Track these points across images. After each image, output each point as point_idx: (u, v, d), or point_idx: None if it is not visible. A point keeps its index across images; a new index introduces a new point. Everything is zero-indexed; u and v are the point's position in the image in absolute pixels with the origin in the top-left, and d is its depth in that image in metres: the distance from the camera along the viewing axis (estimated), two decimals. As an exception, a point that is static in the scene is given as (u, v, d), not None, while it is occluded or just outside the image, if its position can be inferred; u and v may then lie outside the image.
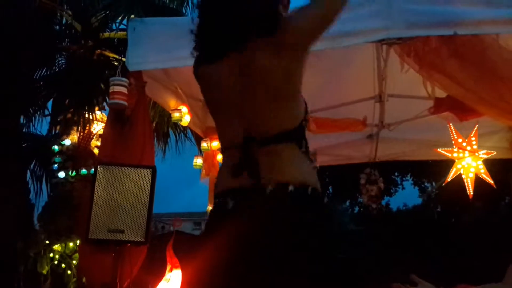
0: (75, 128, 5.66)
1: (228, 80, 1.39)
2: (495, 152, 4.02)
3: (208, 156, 4.06)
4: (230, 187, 1.39)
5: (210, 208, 4.11)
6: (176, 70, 3.18)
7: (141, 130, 2.88)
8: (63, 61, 5.73)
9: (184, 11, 6.23)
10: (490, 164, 4.06)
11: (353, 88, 3.79)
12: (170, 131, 6.52)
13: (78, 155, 5.68)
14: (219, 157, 4.17)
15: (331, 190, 14.55)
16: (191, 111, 3.61)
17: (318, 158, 5.40)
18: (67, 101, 5.58)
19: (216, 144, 4.00)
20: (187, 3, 6.32)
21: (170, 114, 3.64)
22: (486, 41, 2.31)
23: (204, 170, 4.04)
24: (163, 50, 2.83)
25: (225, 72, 1.40)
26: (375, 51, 3.08)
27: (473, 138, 3.90)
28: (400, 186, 13.75)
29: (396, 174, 13.32)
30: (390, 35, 2.38)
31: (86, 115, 5.45)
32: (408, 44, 2.42)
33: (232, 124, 1.41)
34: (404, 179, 13.56)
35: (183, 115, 3.51)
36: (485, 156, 3.93)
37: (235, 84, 1.38)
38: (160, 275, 3.67)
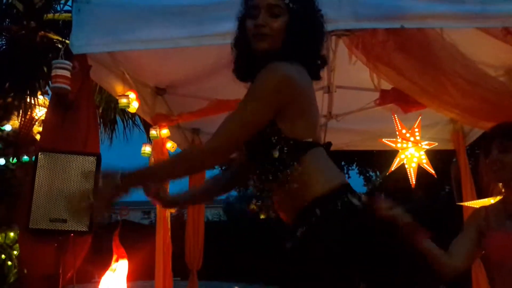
0: (16, 113, 5.42)
1: None
2: (437, 143, 4.18)
3: (157, 144, 3.99)
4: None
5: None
6: (123, 54, 3.09)
7: (85, 116, 2.78)
8: (3, 42, 5.45)
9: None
10: (432, 154, 4.22)
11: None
12: (118, 117, 6.36)
13: (19, 141, 5.46)
14: (169, 145, 4.11)
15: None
16: (140, 97, 3.53)
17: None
18: (7, 84, 5.33)
19: (165, 132, 3.94)
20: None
21: (117, 100, 3.54)
22: (430, 35, 2.39)
23: (152, 158, 3.97)
24: (109, 32, 2.74)
25: None
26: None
27: (416, 130, 4.04)
28: (346, 175, 14.10)
29: (342, 163, 13.64)
30: (339, 27, 2.41)
31: (28, 100, 5.23)
32: (356, 36, 2.45)
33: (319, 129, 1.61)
34: (350, 168, 13.92)
35: (131, 101, 3.43)
36: (427, 147, 4.08)
37: None
38: (106, 265, 3.60)
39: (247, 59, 1.62)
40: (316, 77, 1.66)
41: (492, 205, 1.97)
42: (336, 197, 1.46)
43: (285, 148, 1.48)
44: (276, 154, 1.48)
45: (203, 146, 1.47)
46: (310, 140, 1.52)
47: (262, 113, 1.46)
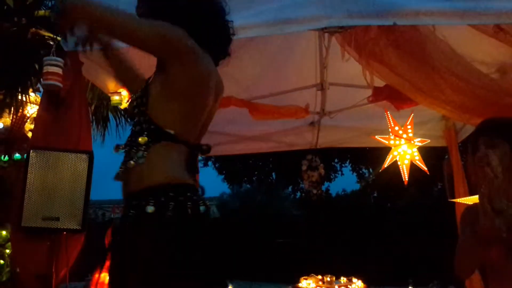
0: (7, 110, 5.37)
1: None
2: (429, 140, 4.20)
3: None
4: (189, 183, 1.50)
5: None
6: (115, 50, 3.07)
7: (77, 113, 2.76)
8: (-7, 39, 5.39)
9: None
10: (424, 151, 4.24)
11: (296, 75, 3.82)
12: (110, 115, 6.33)
13: (11, 138, 5.41)
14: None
15: (274, 176, 14.75)
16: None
17: (262, 144, 5.46)
18: (-2, 82, 5.28)
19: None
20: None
21: (109, 97, 3.52)
22: (423, 32, 2.39)
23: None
24: (101, 30, 2.72)
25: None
26: (317, 39, 3.11)
27: (408, 126, 4.05)
28: (340, 172, 14.14)
29: (335, 160, 13.68)
30: (332, 24, 2.41)
31: (19, 97, 5.18)
32: (349, 33, 2.45)
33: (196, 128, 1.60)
34: (343, 165, 13.97)
35: (123, 99, 3.41)
36: (420, 144, 4.10)
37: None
38: (99, 263, 3.58)
39: None
40: (219, 55, 1.68)
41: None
42: (168, 193, 1.43)
43: (143, 127, 1.51)
44: (136, 128, 1.53)
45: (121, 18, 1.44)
46: (172, 132, 1.50)
47: (147, 32, 1.46)
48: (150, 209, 1.39)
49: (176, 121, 1.51)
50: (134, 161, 1.47)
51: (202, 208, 1.45)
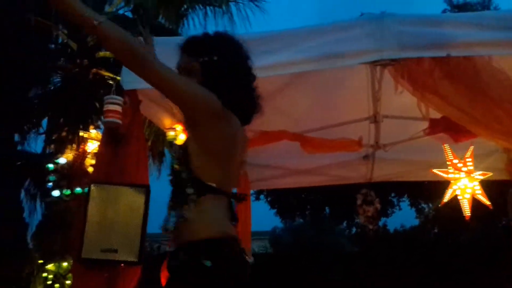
0: (69, 146, 5.64)
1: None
2: (492, 173, 4.02)
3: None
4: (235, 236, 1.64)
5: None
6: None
7: (135, 148, 2.86)
8: (58, 79, 5.74)
9: (180, 32, 6.28)
10: (486, 185, 4.05)
11: (348, 108, 3.80)
12: (166, 150, 6.51)
13: (73, 173, 5.64)
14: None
15: (328, 211, 14.50)
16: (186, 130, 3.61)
17: (315, 178, 5.40)
18: (61, 119, 5.57)
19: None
20: (183, 24, 6.38)
21: (165, 133, 3.63)
22: (479, 62, 2.33)
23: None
24: (158, 69, 2.83)
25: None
26: (369, 72, 3.10)
27: (468, 159, 3.91)
28: (397, 207, 13.71)
29: (392, 195, 13.29)
30: (384, 57, 2.39)
31: (81, 134, 5.44)
32: (401, 65, 2.43)
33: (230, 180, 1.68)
34: (401, 200, 13.54)
35: (178, 134, 3.50)
36: (481, 177, 3.93)
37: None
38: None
39: None
40: (246, 122, 1.76)
41: None
42: (221, 248, 1.55)
43: (190, 182, 1.59)
44: (181, 178, 1.61)
45: (143, 53, 1.50)
46: (214, 185, 1.60)
47: (188, 92, 1.55)
48: (208, 263, 1.50)
49: (215, 175, 1.61)
50: (186, 216, 1.57)
51: (249, 260, 1.64)
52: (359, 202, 5.30)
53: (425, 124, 3.18)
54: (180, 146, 1.68)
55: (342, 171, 5.16)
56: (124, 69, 2.86)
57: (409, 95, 2.59)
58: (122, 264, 2.64)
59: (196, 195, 1.57)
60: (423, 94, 2.48)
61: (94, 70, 5.47)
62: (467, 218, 4.00)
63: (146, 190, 2.68)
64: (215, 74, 1.64)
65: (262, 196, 14.25)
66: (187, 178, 1.60)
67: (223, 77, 1.65)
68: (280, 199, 14.03)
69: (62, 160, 5.73)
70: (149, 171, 3.44)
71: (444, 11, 12.52)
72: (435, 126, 3.15)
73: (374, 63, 2.47)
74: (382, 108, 3.47)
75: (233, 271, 1.55)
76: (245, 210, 4.70)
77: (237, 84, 1.69)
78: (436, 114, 2.90)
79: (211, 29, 6.33)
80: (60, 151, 5.77)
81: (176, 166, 1.65)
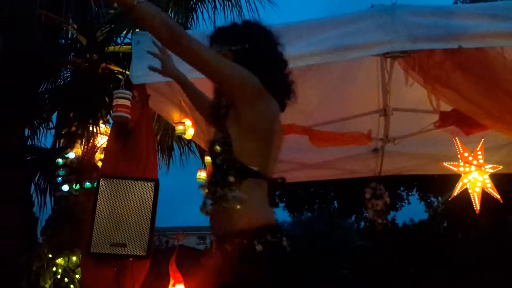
0: (79, 141, 5.65)
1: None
2: (502, 167, 3.97)
3: (211, 170, 4.03)
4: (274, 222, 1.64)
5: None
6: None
7: (144, 143, 2.86)
8: (68, 74, 5.74)
9: (189, 26, 6.26)
10: (496, 178, 4.01)
11: (358, 101, 3.77)
12: (174, 144, 6.51)
13: (82, 168, 5.65)
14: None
15: (336, 205, 14.47)
16: (195, 124, 3.60)
17: (323, 171, 5.38)
18: (71, 114, 5.59)
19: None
20: (193, 18, 6.36)
21: (174, 127, 3.63)
22: (491, 54, 2.30)
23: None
24: (166, 63, 2.83)
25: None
26: (379, 65, 3.07)
27: (479, 152, 3.87)
28: (406, 201, 13.64)
29: (402, 188, 13.23)
30: (394, 48, 2.37)
31: (90, 128, 5.45)
32: (412, 57, 2.40)
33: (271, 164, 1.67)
34: (410, 193, 13.47)
35: (187, 128, 3.50)
36: (492, 171, 3.89)
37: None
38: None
39: None
40: (281, 107, 1.76)
41: None
42: (253, 237, 1.54)
43: (230, 166, 1.58)
44: (223, 163, 1.60)
45: (183, 32, 1.50)
46: (255, 169, 1.59)
47: (231, 71, 1.55)
48: (259, 247, 1.52)
49: (256, 159, 1.61)
50: (232, 199, 1.56)
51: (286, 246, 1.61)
52: (368, 196, 5.27)
53: (435, 117, 3.16)
54: (221, 128, 1.68)
55: (351, 165, 5.14)
56: (133, 63, 2.86)
57: (420, 87, 2.56)
58: (131, 258, 2.64)
59: (237, 180, 1.57)
60: (434, 86, 2.46)
61: (103, 64, 5.47)
62: (477, 212, 3.96)
63: (155, 184, 2.68)
64: (248, 62, 1.63)
65: (270, 190, 14.24)
66: (228, 162, 1.59)
67: (256, 64, 1.64)
68: (289, 193, 14.02)
69: (71, 154, 5.75)
70: (158, 165, 3.44)
71: (455, 2, 12.39)
72: (445, 119, 3.12)
73: (384, 55, 2.44)
74: (392, 101, 3.45)
75: (275, 259, 1.56)
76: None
77: (271, 70, 1.69)
78: (446, 107, 2.87)
79: (220, 22, 6.32)
80: (70, 146, 5.79)
81: (217, 148, 1.64)
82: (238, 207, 1.55)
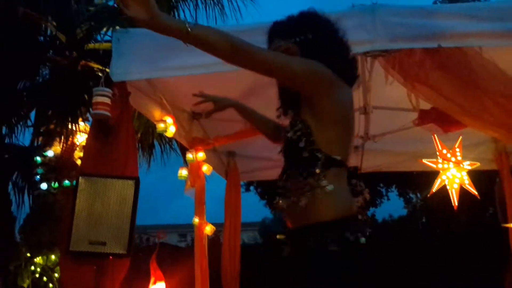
0: (58, 139, 5.59)
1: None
2: (479, 163, 4.05)
3: (193, 167, 4.02)
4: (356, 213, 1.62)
5: (197, 220, 4.06)
6: (161, 80, 3.16)
7: (125, 141, 2.84)
8: (46, 72, 5.66)
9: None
10: (474, 175, 4.09)
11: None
12: (155, 142, 6.47)
13: (61, 166, 5.60)
14: (205, 168, 4.14)
15: (317, 202, 14.54)
16: (176, 122, 3.59)
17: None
18: (50, 112, 5.52)
19: (201, 155, 3.97)
20: (174, 15, 6.32)
21: (155, 125, 3.61)
22: (469, 53, 2.34)
23: (189, 182, 4.00)
24: (147, 60, 2.81)
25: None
26: (360, 63, 3.09)
27: (457, 149, 3.93)
28: (386, 197, 13.82)
29: (381, 185, 13.39)
30: (375, 48, 2.39)
31: (70, 126, 5.38)
32: (392, 56, 2.43)
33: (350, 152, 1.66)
34: (390, 190, 13.65)
35: (168, 126, 3.48)
36: (469, 167, 3.96)
37: None
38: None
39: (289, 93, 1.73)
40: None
41: None
42: (341, 229, 1.52)
43: (314, 157, 1.55)
44: (306, 155, 1.56)
45: (243, 42, 1.47)
46: (338, 157, 1.57)
47: (300, 67, 1.54)
48: (334, 248, 1.49)
49: (337, 147, 1.59)
50: (321, 190, 1.54)
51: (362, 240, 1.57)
52: (348, 193, 5.31)
53: (414, 115, 3.20)
54: (298, 121, 1.64)
55: (332, 162, 5.17)
56: (113, 61, 2.83)
57: (399, 86, 2.59)
58: (111, 257, 2.62)
59: (322, 170, 1.54)
60: (414, 85, 2.49)
61: (83, 62, 5.41)
62: (455, 208, 4.03)
63: (135, 182, 2.66)
64: (315, 51, 1.63)
65: (252, 188, 14.28)
66: (312, 152, 1.56)
67: (323, 53, 1.63)
68: (270, 190, 14.05)
69: (50, 153, 5.68)
70: (138, 163, 3.41)
71: (435, 2, 12.56)
72: (424, 117, 3.16)
73: (365, 54, 2.46)
74: (372, 99, 3.48)
75: (355, 254, 1.53)
76: (235, 201, 4.70)
77: (337, 57, 1.67)
78: (425, 105, 2.91)
79: (202, 21, 6.28)
80: (48, 144, 5.72)
81: (291, 137, 1.61)
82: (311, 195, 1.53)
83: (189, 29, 1.37)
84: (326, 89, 1.57)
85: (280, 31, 1.73)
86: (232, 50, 1.45)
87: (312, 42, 1.66)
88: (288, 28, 1.71)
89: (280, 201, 1.65)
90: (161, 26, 1.38)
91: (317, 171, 1.53)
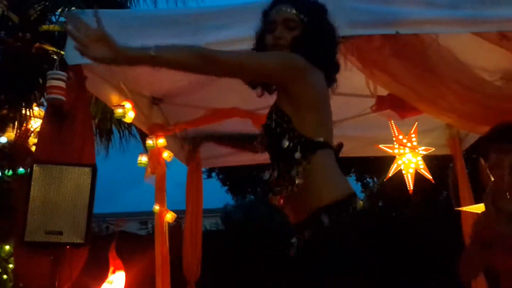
0: (11, 125, 5.40)
1: None
2: (434, 149, 4.17)
3: (153, 154, 3.96)
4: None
5: (157, 207, 4.02)
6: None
7: (81, 126, 2.76)
8: (-2, 54, 5.44)
9: (129, 5, 6.08)
10: (429, 160, 4.21)
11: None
12: (114, 128, 6.35)
13: (15, 153, 5.42)
14: (165, 154, 4.09)
15: (278, 187, 14.65)
16: (136, 107, 3.51)
17: (266, 155, 5.43)
18: (2, 96, 5.31)
19: (162, 141, 3.92)
20: (131, 5, 6.18)
21: (113, 110, 3.52)
22: (426, 40, 2.39)
23: (149, 169, 3.95)
24: (104, 43, 2.73)
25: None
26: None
27: (413, 135, 4.03)
28: (344, 182, 14.05)
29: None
30: (334, 33, 2.40)
31: (23, 111, 5.21)
32: (351, 42, 2.45)
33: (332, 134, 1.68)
34: (348, 175, 13.89)
35: (127, 111, 3.40)
36: (424, 152, 4.07)
37: None
38: (103, 277, 3.56)
39: None
40: (331, 83, 1.79)
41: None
42: (343, 208, 1.54)
43: (295, 142, 1.55)
44: (286, 144, 1.56)
45: (211, 51, 1.50)
46: (321, 139, 1.58)
47: (271, 63, 1.56)
48: (326, 221, 1.49)
49: (320, 130, 1.61)
50: (299, 178, 1.53)
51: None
52: (309, 178, 5.38)
53: (372, 101, 3.25)
54: (275, 110, 1.65)
55: (292, 148, 5.21)
56: (68, 43, 2.74)
57: (358, 72, 2.63)
58: (68, 246, 2.56)
59: (306, 155, 1.53)
60: (372, 71, 2.53)
61: (37, 44, 5.22)
62: (410, 192, 4.14)
63: (92, 169, 2.60)
64: (306, 37, 1.65)
65: (214, 174, 14.24)
66: (293, 139, 1.56)
67: (313, 40, 1.66)
68: (232, 177, 14.08)
69: (3, 139, 5.49)
70: (96, 150, 3.33)
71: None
72: (382, 103, 3.22)
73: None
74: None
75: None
76: (196, 188, 4.67)
77: (325, 48, 1.72)
78: (383, 91, 2.97)
79: (161, 2, 6.16)
80: (1, 130, 5.52)
81: (270, 125, 1.62)
82: (300, 181, 1.52)
83: (152, 53, 1.38)
84: (300, 77, 1.58)
85: (301, 3, 1.72)
86: (202, 62, 1.44)
87: (307, 26, 1.68)
88: (305, 5, 1.72)
89: (276, 198, 1.64)
90: (126, 59, 1.40)
91: (297, 156, 1.54)
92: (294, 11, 1.67)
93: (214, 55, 1.46)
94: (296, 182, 1.53)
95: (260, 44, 1.75)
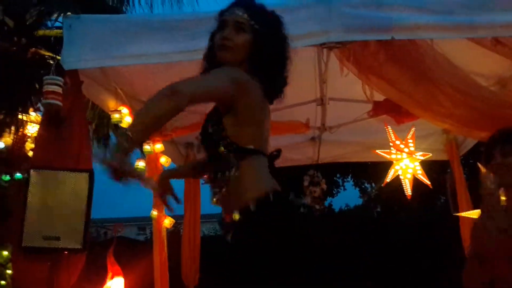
0: (8, 130, 5.39)
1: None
2: (431, 154, 4.18)
3: (151, 159, 3.97)
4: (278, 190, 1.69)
5: (155, 213, 4.01)
6: (115, 69, 3.08)
7: (78, 131, 2.76)
8: (-6, 59, 5.43)
9: (124, 10, 6.08)
10: (426, 165, 4.22)
11: (295, 91, 3.78)
12: (111, 133, 6.34)
13: (12, 158, 5.41)
14: (163, 159, 4.09)
15: (275, 192, 14.64)
16: (133, 112, 3.52)
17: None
18: (-1, 101, 5.30)
19: (159, 146, 3.92)
20: (128, 2, 6.18)
21: (109, 115, 3.52)
22: (421, 46, 2.40)
23: (146, 173, 3.95)
24: (101, 48, 2.73)
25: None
26: (316, 55, 3.12)
27: (410, 140, 4.04)
28: (342, 187, 14.07)
29: (338, 175, 13.61)
30: (330, 39, 2.42)
31: (20, 117, 5.20)
32: (347, 48, 2.46)
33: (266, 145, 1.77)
34: (346, 180, 13.89)
35: (124, 117, 3.40)
36: (422, 158, 4.08)
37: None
38: (101, 283, 3.55)
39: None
40: (271, 99, 1.86)
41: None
42: (267, 200, 1.63)
43: (229, 150, 1.66)
44: (221, 149, 1.67)
45: (184, 86, 1.55)
46: (251, 147, 1.68)
47: (221, 87, 1.62)
48: (252, 208, 1.59)
49: (252, 141, 1.69)
50: (230, 183, 1.65)
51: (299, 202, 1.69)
52: (306, 183, 5.39)
53: (369, 107, 3.26)
54: (211, 120, 1.76)
55: (289, 153, 5.21)
56: (65, 48, 2.74)
57: (355, 77, 2.63)
58: (66, 252, 2.56)
59: (237, 160, 1.63)
60: (368, 77, 2.54)
61: (33, 49, 5.21)
62: (408, 197, 4.15)
63: (89, 174, 2.60)
64: (262, 47, 1.73)
65: (211, 179, 14.20)
66: (226, 146, 1.66)
67: (267, 50, 1.74)
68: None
69: (0, 144, 5.47)
70: (93, 154, 3.32)
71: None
72: (378, 108, 3.23)
73: (321, 46, 2.48)
74: (329, 91, 3.52)
75: (292, 223, 1.65)
76: (194, 193, 4.67)
77: (275, 67, 1.82)
78: (379, 97, 2.98)
79: (157, 7, 6.17)
80: (-2, 135, 5.51)
81: (208, 131, 1.72)
82: (232, 183, 1.63)
83: (128, 134, 1.44)
84: (245, 91, 1.66)
85: (254, 10, 1.78)
86: (178, 100, 1.51)
87: (264, 37, 1.74)
88: (258, 13, 1.78)
89: (214, 198, 1.74)
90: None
91: (232, 160, 1.65)
92: (245, 16, 1.73)
93: (181, 90, 1.52)
94: (229, 183, 1.65)
95: (211, 43, 1.84)
